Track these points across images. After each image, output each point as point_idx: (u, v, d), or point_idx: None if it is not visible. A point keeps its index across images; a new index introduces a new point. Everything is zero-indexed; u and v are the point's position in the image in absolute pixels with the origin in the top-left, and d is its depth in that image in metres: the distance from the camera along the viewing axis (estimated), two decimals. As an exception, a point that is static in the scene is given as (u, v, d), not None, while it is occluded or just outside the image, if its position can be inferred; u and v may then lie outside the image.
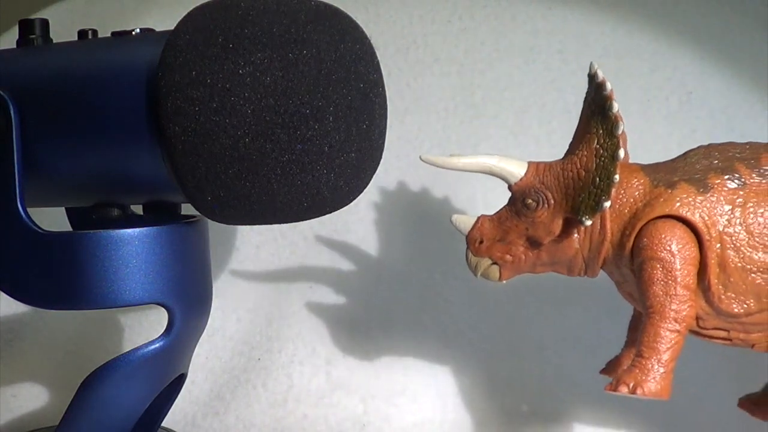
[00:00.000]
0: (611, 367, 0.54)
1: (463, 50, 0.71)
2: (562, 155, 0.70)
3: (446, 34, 0.72)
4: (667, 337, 0.45)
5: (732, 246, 0.46)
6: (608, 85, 0.47)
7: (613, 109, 0.47)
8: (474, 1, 0.72)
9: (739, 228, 0.46)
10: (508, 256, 0.50)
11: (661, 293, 0.46)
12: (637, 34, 0.70)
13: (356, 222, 0.71)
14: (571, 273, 0.51)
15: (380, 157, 0.47)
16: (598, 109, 0.48)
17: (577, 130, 0.50)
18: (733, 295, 0.46)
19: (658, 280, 0.46)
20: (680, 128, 0.70)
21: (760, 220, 0.46)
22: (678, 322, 0.45)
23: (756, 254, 0.46)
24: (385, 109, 0.46)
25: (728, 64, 0.70)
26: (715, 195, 0.47)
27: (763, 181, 0.47)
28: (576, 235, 0.49)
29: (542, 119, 0.71)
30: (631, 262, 0.48)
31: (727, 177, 0.47)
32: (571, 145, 0.50)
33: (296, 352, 0.70)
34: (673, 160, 0.50)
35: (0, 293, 0.48)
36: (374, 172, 0.47)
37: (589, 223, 0.47)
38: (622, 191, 0.48)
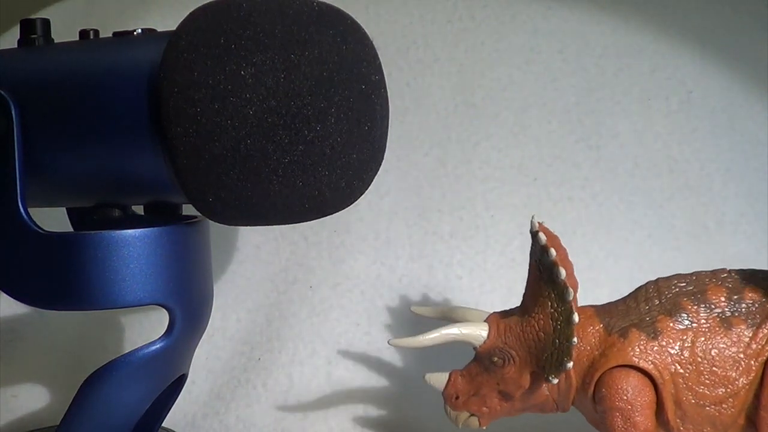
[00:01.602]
0: None
1: (463, 50, 0.71)
2: (562, 155, 0.70)
3: (446, 34, 0.71)
4: None
5: (684, 385, 0.49)
6: (552, 252, 0.49)
7: (560, 276, 0.49)
8: (474, 1, 0.72)
9: (690, 368, 0.49)
10: (484, 408, 0.53)
11: None
12: (637, 34, 0.70)
13: (356, 222, 0.71)
14: (544, 412, 0.53)
15: (382, 159, 0.47)
16: (546, 275, 0.50)
17: (527, 284, 0.52)
18: (691, 427, 0.49)
19: (619, 428, 0.49)
20: (680, 128, 0.70)
21: (709, 357, 0.49)
22: None
23: (707, 390, 0.49)
24: (387, 110, 0.46)
25: (728, 64, 0.70)
26: (665, 339, 0.49)
27: (710, 317, 0.49)
28: (545, 385, 0.52)
29: (542, 119, 0.71)
30: (595, 406, 0.50)
31: (675, 318, 0.49)
32: (523, 300, 0.52)
33: (296, 352, 0.70)
34: (624, 301, 0.52)
35: (0, 293, 0.48)
36: (376, 173, 0.47)
37: (555, 381, 0.50)
38: (580, 340, 0.50)
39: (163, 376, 0.50)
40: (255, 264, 0.72)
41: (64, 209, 0.57)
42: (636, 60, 0.71)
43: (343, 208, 0.47)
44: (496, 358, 0.51)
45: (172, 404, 0.54)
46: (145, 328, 0.71)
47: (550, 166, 0.70)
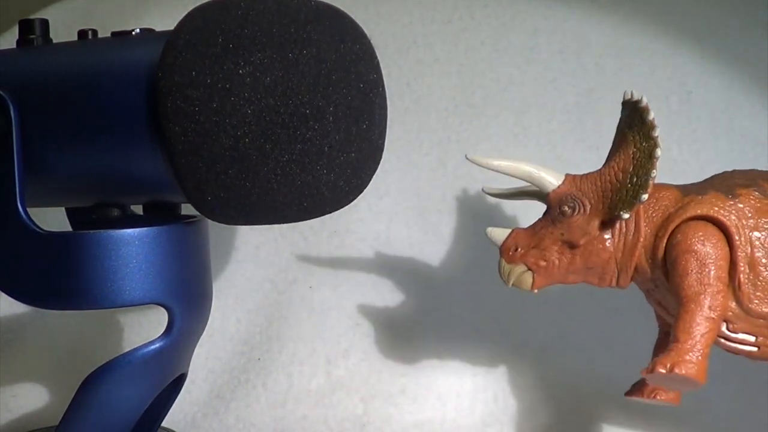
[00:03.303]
0: (636, 389, 0.54)
1: (463, 50, 0.71)
2: (562, 155, 0.70)
3: (446, 34, 0.72)
4: (703, 324, 0.46)
5: (760, 247, 0.48)
6: (644, 99, 0.49)
7: (649, 116, 0.48)
8: (474, 1, 0.72)
9: (766, 232, 0.48)
10: (542, 262, 0.51)
11: (696, 283, 0.47)
12: (637, 34, 0.70)
13: (356, 222, 0.71)
14: (602, 281, 0.52)
15: (380, 158, 0.47)
16: (634, 120, 0.49)
17: (611, 148, 0.52)
18: (761, 296, 0.48)
19: (692, 271, 0.47)
20: (680, 128, 0.70)
21: None
22: (712, 309, 0.47)
23: None
24: (385, 109, 0.47)
25: (728, 64, 0.70)
26: (743, 202, 0.49)
27: None
28: (610, 238, 0.50)
29: (542, 119, 0.71)
30: (663, 265, 0.49)
31: (753, 188, 0.49)
32: (606, 159, 0.52)
33: (296, 352, 0.70)
34: (699, 182, 0.52)
35: (0, 293, 0.48)
36: (374, 172, 0.47)
37: (627, 216, 0.48)
38: (654, 200, 0.50)
39: (163, 375, 0.50)
40: (255, 264, 0.72)
41: (63, 209, 0.57)
42: (636, 60, 0.71)
43: (342, 207, 0.47)
44: (566, 207, 0.50)
45: (172, 404, 0.54)
46: (145, 328, 0.71)
47: (550, 166, 0.70)
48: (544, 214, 0.52)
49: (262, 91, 0.41)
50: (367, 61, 0.45)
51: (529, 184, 0.52)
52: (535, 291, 0.52)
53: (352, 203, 0.47)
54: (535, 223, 0.52)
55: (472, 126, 0.71)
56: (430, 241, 0.71)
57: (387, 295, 0.71)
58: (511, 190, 0.55)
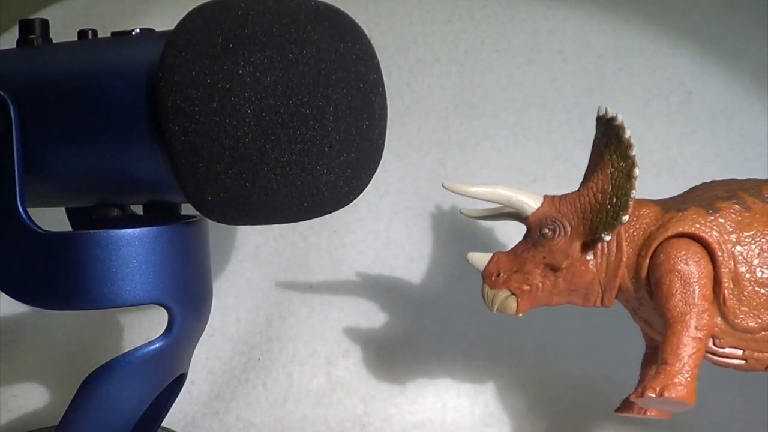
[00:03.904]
0: (627, 404, 0.54)
1: (463, 50, 0.71)
2: (562, 155, 0.70)
3: (446, 34, 0.72)
4: (690, 344, 0.46)
5: (743, 262, 0.48)
6: (620, 117, 0.49)
7: (625, 135, 0.48)
8: (474, 1, 0.72)
9: (748, 246, 0.48)
10: (525, 286, 0.51)
11: (681, 304, 0.47)
12: (637, 34, 0.70)
13: (356, 222, 0.71)
14: (587, 302, 0.52)
15: (380, 158, 0.47)
16: (610, 139, 0.49)
17: (588, 166, 0.52)
18: (747, 310, 0.48)
19: (677, 291, 0.47)
20: (680, 128, 0.70)
21: (767, 238, 0.48)
22: (699, 329, 0.47)
23: (766, 272, 0.48)
24: (385, 109, 0.47)
25: (728, 64, 0.70)
26: (723, 217, 0.49)
27: (767, 206, 0.49)
28: (592, 259, 0.50)
29: (542, 119, 0.71)
30: (647, 284, 0.49)
31: (732, 201, 0.49)
32: (583, 178, 0.52)
33: (296, 352, 0.70)
34: (679, 195, 0.52)
35: (0, 293, 0.48)
36: (374, 173, 0.47)
37: (608, 238, 0.48)
38: (634, 218, 0.50)
39: (163, 375, 0.50)
40: (255, 264, 0.72)
41: (63, 209, 0.57)
42: (636, 60, 0.71)
43: (342, 207, 0.47)
44: (546, 230, 0.50)
45: (172, 404, 0.54)
46: (145, 328, 0.71)
47: (550, 166, 0.70)
48: (525, 236, 0.52)
49: (262, 91, 0.41)
50: (367, 61, 0.45)
51: (505, 209, 0.52)
52: (520, 315, 0.52)
53: (352, 203, 0.47)
54: (516, 247, 0.52)
55: (472, 126, 0.71)
56: (430, 241, 0.71)
57: (387, 295, 0.71)
58: (489, 212, 0.55)
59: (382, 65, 0.46)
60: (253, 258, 0.72)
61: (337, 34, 0.43)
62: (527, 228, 0.51)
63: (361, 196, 0.47)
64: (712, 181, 0.52)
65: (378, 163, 0.47)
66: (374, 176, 0.47)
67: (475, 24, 0.71)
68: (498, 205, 0.53)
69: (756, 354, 0.49)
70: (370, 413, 0.68)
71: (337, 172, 0.44)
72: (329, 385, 0.69)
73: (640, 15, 0.71)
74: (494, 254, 0.52)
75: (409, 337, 0.70)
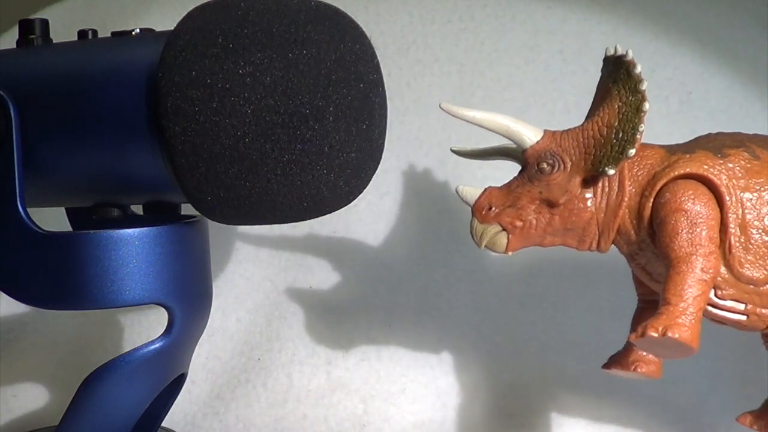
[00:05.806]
0: (615, 360, 0.52)
1: (463, 50, 0.71)
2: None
3: (446, 34, 0.71)
4: (695, 286, 0.44)
5: (751, 209, 0.46)
6: (630, 53, 0.47)
7: (636, 70, 0.46)
8: (474, 1, 0.72)
9: (757, 194, 0.46)
10: (518, 222, 0.48)
11: (687, 244, 0.45)
12: (637, 34, 0.70)
13: (356, 222, 0.71)
14: (581, 244, 0.49)
15: (380, 157, 0.47)
16: (619, 75, 0.47)
17: (592, 104, 0.50)
18: (752, 259, 0.46)
19: (683, 230, 0.45)
20: (680, 128, 0.70)
21: None
22: (705, 271, 0.44)
23: None
24: (385, 109, 0.47)
25: (728, 64, 0.70)
26: (732, 162, 0.47)
27: None
28: (592, 197, 0.48)
29: (542, 119, 0.71)
30: (650, 226, 0.47)
31: (742, 149, 0.47)
32: (587, 115, 0.50)
33: (296, 352, 0.70)
34: (684, 143, 0.50)
35: (0, 293, 0.48)
36: (374, 172, 0.47)
37: (612, 172, 0.46)
38: (638, 158, 0.48)
39: (163, 375, 0.50)
40: (255, 264, 0.72)
41: (63, 209, 0.57)
42: (636, 60, 0.70)
43: (342, 207, 0.47)
44: (545, 164, 0.47)
45: (172, 404, 0.54)
46: (145, 328, 0.71)
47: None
48: (520, 172, 0.49)
49: (262, 91, 0.41)
50: (367, 61, 0.45)
51: (502, 144, 0.50)
52: (510, 254, 0.49)
53: (352, 203, 0.47)
54: (510, 182, 0.49)
55: (473, 126, 0.71)
56: (430, 241, 0.71)
57: (387, 295, 0.71)
58: (482, 150, 0.52)
59: (382, 65, 0.46)
60: (253, 258, 0.72)
61: (337, 34, 0.43)
62: (524, 163, 0.49)
63: (361, 196, 0.47)
64: (719, 132, 0.50)
65: (378, 163, 0.47)
66: (374, 176, 0.47)
67: (475, 24, 0.71)
68: (491, 147, 0.51)
69: (758, 310, 0.47)
70: (370, 413, 0.68)
71: (337, 172, 0.44)
72: (329, 385, 0.69)
73: (640, 15, 0.70)
74: (487, 188, 0.49)
75: (409, 337, 0.70)
